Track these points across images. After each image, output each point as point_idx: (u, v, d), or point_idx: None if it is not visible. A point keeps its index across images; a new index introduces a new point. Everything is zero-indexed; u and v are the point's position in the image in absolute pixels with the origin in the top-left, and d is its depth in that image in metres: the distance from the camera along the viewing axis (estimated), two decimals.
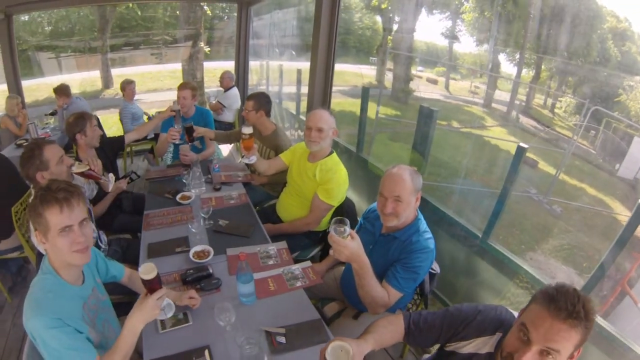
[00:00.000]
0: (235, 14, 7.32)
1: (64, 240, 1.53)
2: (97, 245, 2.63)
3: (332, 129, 2.77)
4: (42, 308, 1.48)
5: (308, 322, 1.84)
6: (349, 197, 2.99)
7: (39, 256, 1.82)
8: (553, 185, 6.39)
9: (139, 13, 14.45)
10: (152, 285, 1.55)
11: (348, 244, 1.68)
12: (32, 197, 1.59)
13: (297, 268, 2.26)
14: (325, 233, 3.01)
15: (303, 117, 6.55)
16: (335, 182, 2.76)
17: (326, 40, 3.76)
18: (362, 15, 12.96)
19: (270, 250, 2.43)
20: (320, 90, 3.95)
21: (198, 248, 2.37)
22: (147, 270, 1.52)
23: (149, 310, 1.53)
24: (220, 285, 2.11)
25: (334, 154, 2.90)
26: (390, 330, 1.57)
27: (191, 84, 3.95)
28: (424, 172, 3.52)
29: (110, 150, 3.43)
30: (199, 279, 2.13)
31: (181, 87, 3.85)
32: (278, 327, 1.77)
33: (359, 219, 2.46)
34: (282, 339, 1.72)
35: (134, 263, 2.27)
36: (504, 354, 1.30)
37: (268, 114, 3.59)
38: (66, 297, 1.58)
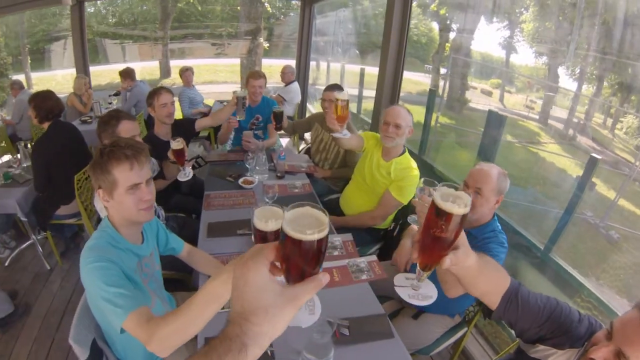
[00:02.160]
0: (294, 13, 7.35)
1: (132, 198, 1.55)
2: None
3: (409, 127, 2.75)
4: (95, 250, 1.48)
5: (372, 316, 1.79)
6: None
7: (98, 223, 1.80)
8: (611, 210, 6.01)
9: (199, 8, 14.93)
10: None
11: None
12: (96, 155, 1.58)
13: (363, 261, 2.19)
14: (387, 232, 3.03)
15: (363, 117, 6.49)
16: (409, 180, 2.77)
17: (396, 44, 3.72)
18: (419, 21, 12.72)
19: (335, 241, 2.37)
20: (389, 93, 3.89)
21: None
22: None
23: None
24: None
25: (407, 153, 2.89)
26: (496, 276, 1.27)
27: (263, 73, 3.97)
28: None
29: (182, 133, 3.42)
30: None
31: (255, 77, 3.86)
32: (342, 319, 1.72)
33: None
34: (346, 331, 1.67)
35: (189, 241, 2.22)
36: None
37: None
38: (122, 249, 1.57)
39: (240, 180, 3.07)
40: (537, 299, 1.29)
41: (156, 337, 1.21)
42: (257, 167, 3.14)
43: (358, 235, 2.77)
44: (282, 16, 15.47)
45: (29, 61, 12.84)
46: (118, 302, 1.34)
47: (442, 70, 10.17)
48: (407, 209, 2.85)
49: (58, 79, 12.42)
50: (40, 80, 12.47)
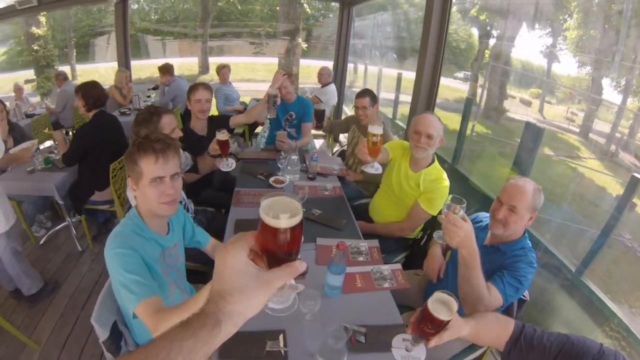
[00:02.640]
0: (333, 15, 7.36)
1: (154, 191, 1.60)
2: None
3: (440, 137, 2.64)
4: (120, 236, 1.54)
5: (390, 326, 1.76)
6: None
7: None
8: None
9: (239, 7, 15.26)
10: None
11: (464, 225, 1.58)
12: (131, 145, 1.64)
13: (387, 269, 2.16)
14: (415, 240, 3.01)
15: (399, 122, 6.41)
16: (439, 192, 2.68)
17: (434, 49, 3.64)
18: (458, 27, 12.51)
19: (361, 246, 2.34)
20: (425, 99, 3.82)
21: None
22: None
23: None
24: (307, 272, 2.02)
25: (437, 163, 2.80)
26: (496, 328, 1.40)
27: (287, 71, 3.93)
28: None
29: (217, 128, 3.47)
30: None
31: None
32: (359, 326, 1.71)
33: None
34: (362, 339, 1.66)
35: (216, 235, 2.26)
36: None
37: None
38: (146, 238, 1.62)
39: (272, 179, 3.08)
40: (543, 337, 1.33)
41: (160, 328, 1.25)
42: (288, 167, 3.15)
43: (385, 242, 2.73)
44: (321, 17, 15.56)
45: (75, 54, 13.60)
46: (133, 289, 1.40)
47: (481, 78, 9.97)
48: (436, 219, 2.75)
49: (101, 71, 12.92)
50: (84, 72, 13.13)
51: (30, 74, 12.55)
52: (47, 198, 3.90)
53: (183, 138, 3.19)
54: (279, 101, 3.22)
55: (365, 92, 3.53)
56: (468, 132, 5.82)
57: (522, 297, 2.01)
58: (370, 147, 2.31)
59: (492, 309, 1.75)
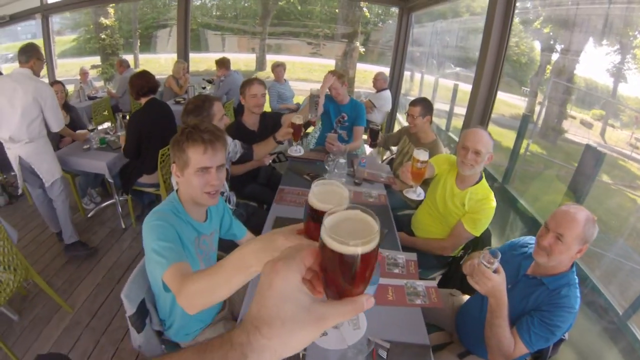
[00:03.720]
0: (392, 20, 7.28)
1: (199, 180, 1.63)
2: None
3: (489, 154, 2.50)
4: (158, 213, 1.58)
5: (416, 345, 1.68)
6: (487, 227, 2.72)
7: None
8: None
9: (299, 7, 15.49)
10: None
11: (493, 277, 1.59)
12: (178, 133, 1.67)
13: (421, 285, 2.06)
14: (455, 259, 2.86)
15: (451, 135, 6.22)
16: (485, 213, 2.54)
17: (493, 62, 3.47)
18: (520, 39, 12.06)
19: (399, 258, 2.26)
20: (479, 113, 3.64)
21: None
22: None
23: (273, 247, 1.45)
24: None
25: (484, 181, 2.65)
26: None
27: (340, 73, 3.91)
28: None
29: (269, 125, 3.50)
30: None
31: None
32: (384, 340, 1.64)
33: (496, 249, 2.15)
34: (384, 354, 1.59)
35: (254, 230, 2.26)
36: None
37: (431, 122, 3.48)
38: (183, 220, 1.65)
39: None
40: None
41: (184, 292, 1.22)
42: (335, 170, 3.11)
43: (424, 257, 2.66)
44: (380, 22, 15.50)
45: (139, 44, 14.46)
46: (164, 254, 1.42)
47: (540, 95, 9.56)
48: (479, 239, 2.66)
49: (161, 61, 13.71)
50: (147, 62, 13.99)
51: (96, 60, 13.44)
52: (99, 175, 4.18)
53: (234, 131, 3.29)
54: (321, 102, 3.12)
55: (418, 101, 3.44)
56: (522, 150, 5.59)
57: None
58: (414, 171, 2.25)
59: (515, 357, 1.70)
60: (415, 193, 2.30)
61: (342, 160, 3.13)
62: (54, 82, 4.72)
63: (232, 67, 6.47)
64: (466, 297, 2.36)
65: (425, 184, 2.90)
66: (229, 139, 2.89)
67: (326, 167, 3.21)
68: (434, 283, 2.09)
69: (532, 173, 6.47)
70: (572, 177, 3.23)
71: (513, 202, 3.81)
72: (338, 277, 0.51)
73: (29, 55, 3.15)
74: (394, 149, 4.30)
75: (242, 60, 15.18)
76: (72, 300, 3.08)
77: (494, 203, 2.53)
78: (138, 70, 3.78)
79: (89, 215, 4.28)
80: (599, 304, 2.67)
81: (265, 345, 0.50)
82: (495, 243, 3.59)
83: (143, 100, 3.60)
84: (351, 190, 3.03)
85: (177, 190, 1.74)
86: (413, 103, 3.44)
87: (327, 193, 0.65)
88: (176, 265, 1.39)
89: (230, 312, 2.11)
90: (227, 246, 2.13)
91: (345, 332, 0.72)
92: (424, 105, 3.40)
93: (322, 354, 1.50)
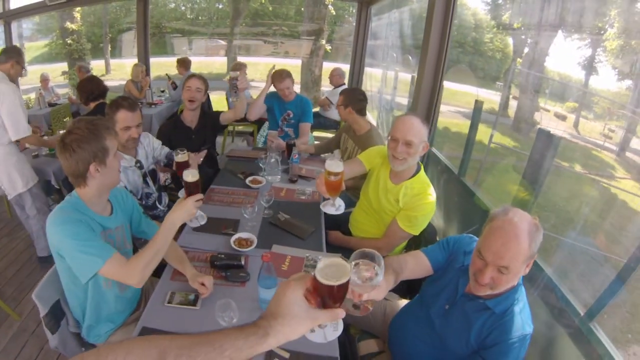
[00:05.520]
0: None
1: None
2: (154, 206, 2.74)
3: (423, 143, 2.20)
4: (60, 212, 1.57)
5: (324, 357, 1.51)
6: (431, 223, 2.48)
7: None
8: None
9: (270, 8, 15.48)
10: (192, 189, 1.74)
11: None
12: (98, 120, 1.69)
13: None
14: None
15: None
16: (422, 210, 2.27)
17: (436, 48, 3.39)
18: (494, 35, 12.20)
19: (319, 260, 2.12)
20: (425, 103, 3.57)
21: (243, 235, 2.24)
22: (191, 174, 1.73)
23: (187, 209, 1.66)
24: (248, 280, 1.92)
25: (422, 172, 2.38)
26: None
27: (288, 72, 3.85)
28: (529, 209, 2.86)
29: (208, 124, 3.45)
30: (227, 266, 1.98)
31: (279, 79, 3.78)
32: (282, 349, 1.51)
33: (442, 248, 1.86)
34: None
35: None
36: None
37: (360, 112, 3.30)
38: (86, 215, 1.62)
39: (249, 179, 3.00)
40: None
41: (137, 270, 1.52)
42: (267, 168, 3.04)
43: None
44: (348, 17, 15.48)
45: (109, 48, 14.23)
46: (93, 252, 1.49)
47: (514, 89, 9.59)
48: (421, 237, 2.47)
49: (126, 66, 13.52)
50: (118, 67, 13.86)
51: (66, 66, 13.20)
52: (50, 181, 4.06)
53: (170, 125, 3.33)
54: (240, 84, 3.18)
55: (342, 91, 3.37)
56: (480, 140, 5.53)
57: None
58: (328, 184, 1.83)
59: None
60: (334, 206, 1.92)
61: (273, 157, 3.03)
62: None
63: (205, 71, 6.39)
64: (403, 302, 2.12)
65: (362, 178, 2.72)
66: (157, 144, 2.85)
67: (261, 165, 3.16)
68: None
69: (492, 164, 6.43)
70: (526, 165, 3.09)
71: (468, 195, 3.67)
72: (325, 296, 0.83)
73: (9, 56, 3.04)
74: None
75: (214, 64, 15.12)
76: (21, 308, 3.01)
77: (432, 198, 2.27)
78: (87, 75, 3.85)
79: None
80: (555, 303, 2.19)
81: (280, 330, 0.79)
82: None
83: (92, 105, 3.53)
84: (284, 188, 2.98)
85: (77, 194, 1.68)
86: (341, 92, 3.36)
87: (332, 267, 0.85)
88: (112, 258, 1.50)
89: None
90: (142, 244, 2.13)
91: (327, 332, 1.05)
92: (347, 95, 3.28)
93: (308, 343, 1.41)
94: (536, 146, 3.02)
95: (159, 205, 2.76)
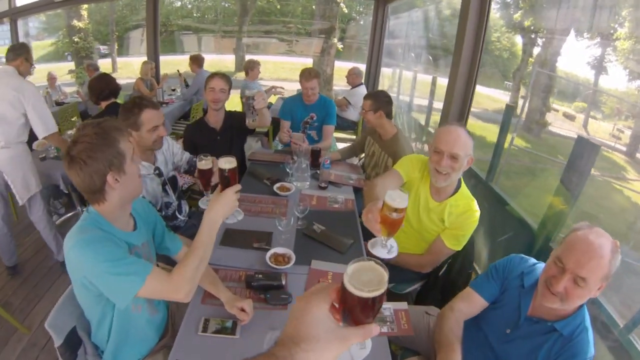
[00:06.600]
0: (371, 16, 6.96)
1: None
2: (173, 216, 2.50)
3: (469, 156, 2.04)
4: (82, 229, 1.37)
5: None
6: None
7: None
8: None
9: (278, 7, 15.30)
10: (230, 179, 1.46)
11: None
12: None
13: (388, 308, 1.75)
14: (435, 269, 2.41)
15: (432, 130, 5.88)
16: (469, 227, 2.13)
17: (471, 51, 3.15)
18: (501, 34, 12.03)
19: (385, 310, 1.85)
20: (458, 107, 3.32)
21: (279, 250, 2.00)
22: (228, 161, 1.45)
23: (228, 202, 1.42)
24: (290, 302, 1.70)
25: (464, 187, 2.21)
26: None
27: (317, 72, 3.62)
28: (563, 222, 2.68)
29: (233, 125, 3.17)
30: (266, 287, 1.76)
31: (307, 77, 3.55)
32: None
33: (476, 266, 1.79)
34: None
35: None
36: None
37: (389, 115, 3.11)
38: (110, 233, 1.42)
39: (276, 186, 2.74)
40: None
41: (184, 281, 1.33)
42: (297, 173, 2.80)
43: (397, 269, 2.31)
44: (358, 16, 15.30)
45: (116, 47, 14.23)
46: (129, 271, 1.31)
47: (523, 89, 9.36)
48: (465, 250, 2.26)
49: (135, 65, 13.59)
50: (125, 65, 13.77)
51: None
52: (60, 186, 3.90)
53: (194, 127, 3.12)
54: (256, 104, 2.81)
55: (369, 95, 3.15)
56: (506, 145, 5.33)
57: None
58: (388, 222, 1.33)
59: None
60: (386, 248, 1.43)
61: (304, 162, 2.81)
62: None
63: (213, 69, 6.20)
64: None
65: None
66: (177, 148, 2.63)
67: (287, 170, 2.92)
68: (405, 305, 1.78)
69: (517, 168, 6.18)
70: (564, 173, 2.86)
71: (499, 202, 3.44)
72: (356, 311, 0.66)
73: (18, 53, 2.91)
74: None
75: (224, 62, 15.00)
76: (30, 321, 2.83)
77: (478, 213, 2.13)
78: (98, 73, 3.64)
79: None
80: (594, 314, 2.21)
81: (304, 358, 0.62)
82: (480, 254, 3.25)
83: (103, 105, 3.36)
84: (314, 196, 2.74)
85: (97, 212, 1.46)
86: (365, 96, 3.14)
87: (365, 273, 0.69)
88: (152, 274, 1.33)
89: (172, 338, 1.81)
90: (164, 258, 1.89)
91: (354, 351, 0.87)
92: (376, 98, 3.06)
93: None
94: (575, 153, 2.78)
95: (179, 215, 2.52)
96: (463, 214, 2.11)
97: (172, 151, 2.57)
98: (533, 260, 1.64)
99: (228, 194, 1.42)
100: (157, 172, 2.33)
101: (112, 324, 1.50)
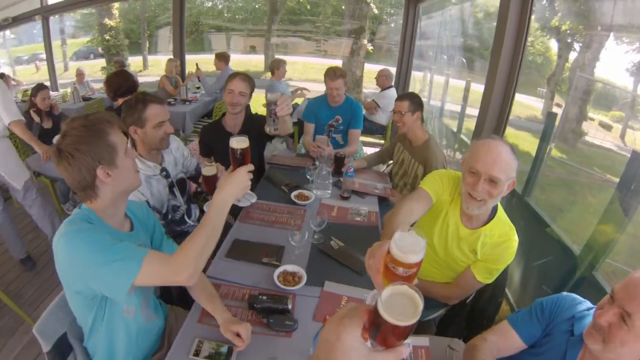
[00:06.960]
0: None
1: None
2: (182, 220, 2.36)
3: (510, 180, 1.68)
4: (72, 223, 1.28)
5: None
6: None
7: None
8: None
9: (308, 7, 15.18)
10: (241, 159, 1.35)
11: None
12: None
13: (407, 343, 1.48)
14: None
15: (464, 138, 5.55)
16: (505, 260, 1.81)
17: (509, 56, 2.87)
18: (535, 39, 11.57)
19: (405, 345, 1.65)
20: (494, 116, 3.03)
21: (290, 268, 1.79)
22: (238, 140, 1.34)
23: (241, 182, 1.32)
24: (295, 330, 1.50)
25: (501, 210, 1.88)
26: None
27: (343, 72, 3.41)
28: (611, 248, 2.36)
29: (253, 129, 2.71)
30: (270, 310, 1.56)
31: (332, 77, 3.34)
32: None
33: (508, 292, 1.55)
34: None
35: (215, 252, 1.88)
36: None
37: (422, 119, 2.90)
38: (102, 230, 1.32)
39: (294, 194, 2.52)
40: None
41: (188, 261, 1.22)
42: (318, 180, 2.57)
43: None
44: (388, 18, 15.06)
45: (147, 45, 14.68)
46: (125, 255, 1.22)
47: (558, 96, 8.97)
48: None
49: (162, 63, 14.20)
50: (156, 63, 14.16)
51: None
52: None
53: (210, 129, 2.97)
54: (279, 111, 2.23)
55: (406, 96, 2.89)
56: (528, 152, 5.02)
57: None
58: (390, 276, 0.94)
59: None
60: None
61: (325, 168, 2.59)
62: (39, 87, 4.29)
63: (242, 69, 6.10)
64: None
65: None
66: (187, 152, 2.47)
67: (308, 176, 2.70)
68: (426, 341, 1.52)
69: (551, 180, 5.79)
70: (616, 191, 2.52)
71: (537, 221, 3.08)
72: (389, 336, 0.65)
73: None
74: None
75: (253, 62, 15.11)
76: (39, 312, 2.74)
77: (516, 243, 1.80)
78: (116, 70, 3.65)
79: None
80: None
81: None
82: (513, 283, 2.95)
83: (120, 101, 3.30)
84: (335, 206, 2.51)
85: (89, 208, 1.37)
86: (400, 98, 2.89)
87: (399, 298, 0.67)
88: (148, 256, 1.23)
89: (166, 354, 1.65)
90: None
91: None
92: (413, 100, 2.84)
93: None
94: (629, 170, 2.46)
95: (187, 220, 2.35)
96: (499, 245, 1.80)
97: (183, 153, 2.41)
98: (588, 303, 1.37)
99: (240, 173, 1.33)
100: (163, 173, 2.17)
101: (104, 331, 1.42)
